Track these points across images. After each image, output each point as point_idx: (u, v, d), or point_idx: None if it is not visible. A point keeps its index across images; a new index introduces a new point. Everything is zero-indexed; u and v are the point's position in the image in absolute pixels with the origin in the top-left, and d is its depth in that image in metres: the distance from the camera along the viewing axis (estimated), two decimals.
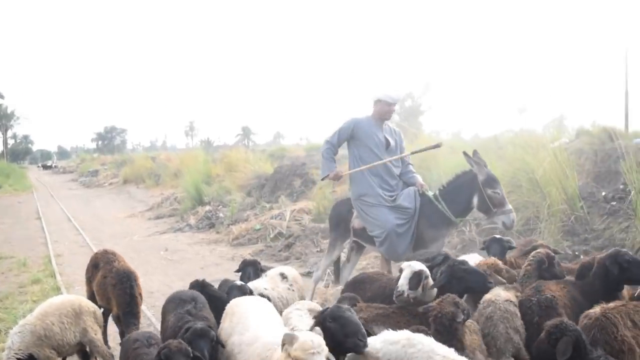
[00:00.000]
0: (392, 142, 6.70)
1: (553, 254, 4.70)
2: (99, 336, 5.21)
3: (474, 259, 5.19)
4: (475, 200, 6.20)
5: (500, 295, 4.29)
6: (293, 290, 5.70)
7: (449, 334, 3.81)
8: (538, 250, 4.73)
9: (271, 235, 12.31)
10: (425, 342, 3.48)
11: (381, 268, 6.77)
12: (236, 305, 4.35)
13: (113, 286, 5.53)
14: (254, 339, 3.78)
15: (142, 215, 19.15)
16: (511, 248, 5.31)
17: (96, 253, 6.15)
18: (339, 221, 7.06)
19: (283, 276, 5.75)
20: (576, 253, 7.16)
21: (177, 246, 12.91)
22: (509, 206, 6.14)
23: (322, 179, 7.07)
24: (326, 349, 3.28)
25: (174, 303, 4.61)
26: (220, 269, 10.37)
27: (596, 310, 3.84)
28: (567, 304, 4.20)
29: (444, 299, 4.05)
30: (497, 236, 5.37)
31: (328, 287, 8.40)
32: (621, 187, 8.27)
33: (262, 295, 5.17)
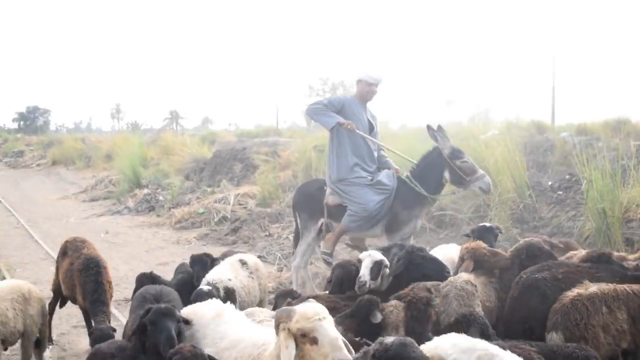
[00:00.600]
0: (375, 125, 6.82)
1: (538, 247, 4.66)
2: (40, 328, 5.01)
3: (453, 250, 5.30)
4: (446, 174, 6.32)
5: (461, 276, 4.37)
6: (253, 278, 5.51)
7: (424, 318, 3.89)
8: (523, 241, 4.79)
9: (215, 219, 12.20)
10: (507, 357, 3.06)
11: (325, 243, 6.79)
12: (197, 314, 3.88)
13: (79, 272, 5.28)
14: (236, 342, 3.50)
15: (75, 197, 18.56)
16: (500, 232, 5.62)
17: (66, 241, 5.90)
18: (309, 201, 6.94)
19: (243, 263, 5.56)
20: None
21: (117, 229, 12.60)
22: (481, 171, 6.31)
23: (331, 129, 6.61)
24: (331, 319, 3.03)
25: (137, 301, 4.36)
26: (166, 252, 10.23)
27: (570, 294, 3.87)
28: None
29: (415, 286, 4.17)
30: (487, 224, 5.56)
31: (282, 271, 8.41)
32: (567, 177, 8.63)
33: (227, 287, 4.99)
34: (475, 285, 4.27)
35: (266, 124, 41.71)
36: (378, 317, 3.94)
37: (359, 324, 3.93)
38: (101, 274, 5.28)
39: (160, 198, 15.50)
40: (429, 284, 4.34)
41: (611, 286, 3.89)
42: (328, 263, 6.60)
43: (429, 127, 6.44)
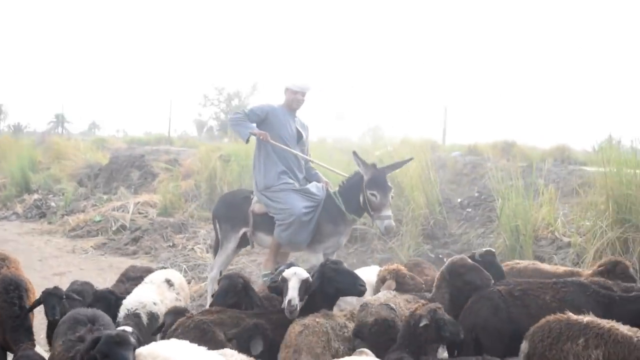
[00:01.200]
0: (303, 135, 6.61)
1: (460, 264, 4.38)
2: None
3: (372, 272, 5.22)
4: (362, 199, 6.05)
5: (378, 298, 4.29)
6: (180, 299, 5.13)
7: (387, 338, 3.87)
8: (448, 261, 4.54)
9: (113, 228, 11.70)
10: None
11: (265, 265, 6.50)
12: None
13: None
14: None
15: None
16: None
17: None
18: (232, 210, 6.61)
19: (170, 283, 5.14)
20: (440, 256, 7.59)
21: (5, 236, 11.82)
22: (387, 212, 5.96)
23: (247, 141, 6.44)
24: None
25: (65, 325, 3.81)
26: (61, 261, 9.69)
27: (560, 315, 3.71)
28: None
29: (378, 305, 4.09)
30: (492, 249, 4.82)
31: (190, 283, 8.15)
32: (476, 194, 8.93)
33: (151, 313, 4.58)
34: (393, 309, 4.14)
35: (155, 132, 40.67)
36: (258, 349, 3.75)
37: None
38: (22, 299, 4.62)
39: (52, 204, 14.71)
40: (341, 313, 4.27)
41: (603, 323, 3.58)
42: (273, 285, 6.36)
43: (354, 153, 6.24)
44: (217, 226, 6.76)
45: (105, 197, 14.42)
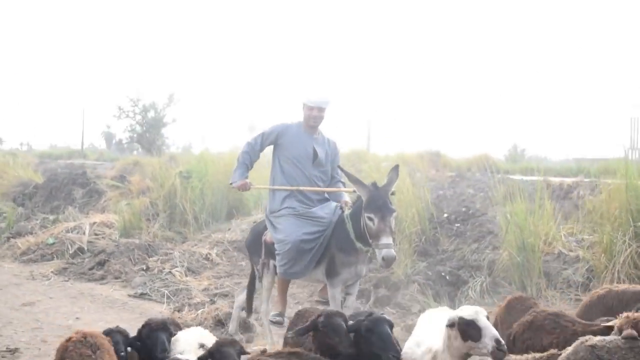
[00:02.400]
0: (320, 154, 5.97)
1: None
2: None
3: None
4: (363, 225, 5.31)
5: None
6: None
7: None
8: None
9: (70, 251, 11.00)
10: None
11: (276, 304, 6.06)
12: None
13: None
14: None
15: None
16: None
17: None
18: (257, 242, 6.16)
19: (205, 348, 4.11)
20: (442, 274, 7.52)
21: None
22: (386, 239, 5.07)
23: (231, 184, 6.25)
24: None
25: None
26: (24, 289, 8.96)
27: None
28: None
29: None
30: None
31: (181, 311, 7.61)
32: (463, 209, 8.92)
33: None
34: None
35: (61, 145, 39.14)
36: None
37: None
38: None
39: None
40: None
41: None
42: (278, 324, 5.96)
43: (339, 167, 5.98)
44: (251, 259, 6.47)
45: (51, 217, 13.58)
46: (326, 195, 6.03)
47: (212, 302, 7.50)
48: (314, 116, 5.95)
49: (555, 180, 10.71)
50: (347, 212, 5.67)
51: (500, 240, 7.65)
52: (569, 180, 10.37)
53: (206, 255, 9.83)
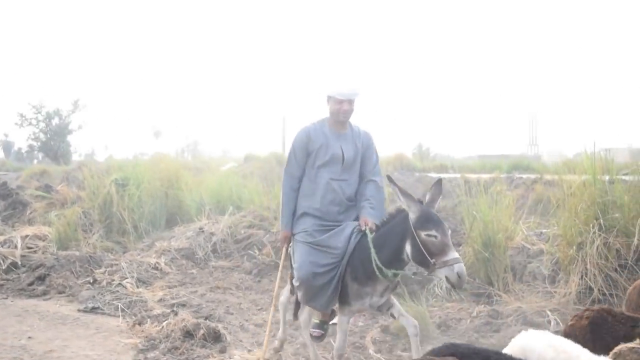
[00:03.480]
0: (348, 155, 5.21)
1: None
2: None
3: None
4: (408, 248, 4.56)
5: None
6: None
7: None
8: None
9: (3, 267, 10.36)
10: None
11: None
12: None
13: None
14: None
15: None
16: None
17: None
18: None
19: None
20: (413, 276, 7.55)
21: None
22: (454, 254, 4.36)
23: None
24: None
25: None
26: None
27: None
28: None
29: None
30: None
31: (142, 324, 7.26)
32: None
33: None
34: None
35: None
36: None
37: None
38: None
39: None
40: None
41: None
42: (318, 338, 5.48)
43: (389, 179, 4.92)
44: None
45: None
46: (346, 201, 5.28)
47: (175, 312, 7.23)
48: (344, 110, 5.20)
49: (473, 176, 10.99)
50: (369, 235, 4.87)
51: (462, 236, 7.78)
52: (485, 177, 10.68)
53: (155, 264, 9.50)
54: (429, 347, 5.53)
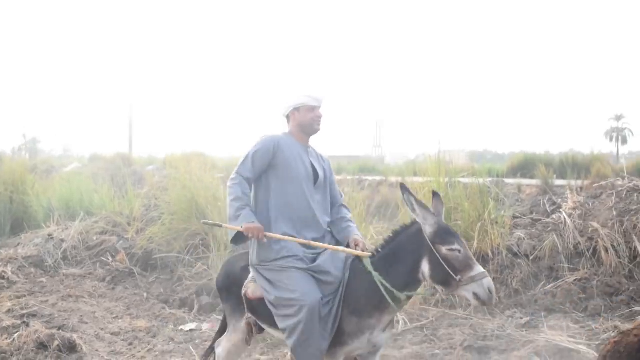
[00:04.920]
0: (320, 173, 4.47)
1: None
2: None
3: None
4: (425, 266, 3.90)
5: None
6: None
7: None
8: None
9: None
10: None
11: None
12: None
13: None
14: None
15: None
16: None
17: None
18: (232, 286, 4.53)
19: None
20: None
21: None
22: (479, 268, 3.81)
23: (232, 241, 4.29)
24: None
25: None
26: None
27: None
28: None
29: None
30: None
31: None
32: None
33: None
34: None
35: None
36: None
37: None
38: None
39: None
40: None
41: None
42: None
43: (403, 187, 4.09)
44: (223, 302, 4.86)
45: None
46: (326, 227, 4.44)
47: (26, 324, 7.02)
48: (317, 117, 4.47)
49: None
50: (366, 261, 4.10)
51: None
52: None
53: (1, 273, 9.09)
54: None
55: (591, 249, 7.66)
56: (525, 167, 19.70)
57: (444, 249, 3.84)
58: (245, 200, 4.21)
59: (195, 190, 8.93)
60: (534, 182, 14.30)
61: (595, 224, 7.87)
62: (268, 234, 4.14)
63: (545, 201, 9.40)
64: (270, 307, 4.10)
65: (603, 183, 9.57)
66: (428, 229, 3.93)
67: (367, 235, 7.90)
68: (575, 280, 7.28)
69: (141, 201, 11.06)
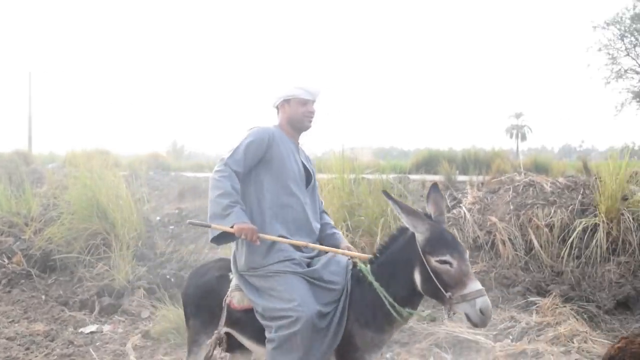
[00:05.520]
0: (312, 173, 4.11)
1: None
2: None
3: None
4: (417, 277, 3.45)
5: None
6: None
7: None
8: None
9: None
10: None
11: None
12: None
13: None
14: None
15: None
16: None
17: None
18: (202, 299, 4.00)
19: None
20: (167, 276, 7.69)
21: None
22: (474, 284, 3.32)
23: (213, 240, 3.77)
24: None
25: None
26: None
27: None
28: None
29: None
30: None
31: None
32: (176, 212, 9.14)
33: None
34: None
35: None
36: None
37: None
38: None
39: None
40: None
41: None
42: None
43: (385, 194, 3.61)
44: (187, 319, 4.23)
45: None
46: (315, 230, 4.00)
47: None
48: (309, 112, 4.03)
49: None
50: (363, 266, 3.71)
51: None
52: None
53: None
54: None
55: (489, 242, 7.98)
56: (429, 163, 20.23)
57: (433, 261, 3.37)
58: (235, 196, 3.68)
59: (96, 188, 8.68)
60: (437, 177, 14.69)
61: (493, 218, 8.20)
62: (263, 235, 3.67)
63: (447, 196, 9.69)
64: (259, 318, 3.64)
65: (502, 178, 9.95)
66: (419, 237, 3.45)
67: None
68: (474, 272, 7.56)
69: (40, 200, 10.67)
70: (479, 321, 3.27)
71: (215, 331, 3.83)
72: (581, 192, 8.39)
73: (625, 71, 26.69)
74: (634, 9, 25.83)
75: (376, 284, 3.55)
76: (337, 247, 3.92)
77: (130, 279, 7.77)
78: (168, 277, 7.73)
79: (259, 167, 3.84)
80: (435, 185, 3.73)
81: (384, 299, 3.52)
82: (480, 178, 12.37)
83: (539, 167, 18.35)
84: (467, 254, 3.49)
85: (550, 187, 8.73)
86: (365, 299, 3.60)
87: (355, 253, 3.88)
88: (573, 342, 5.58)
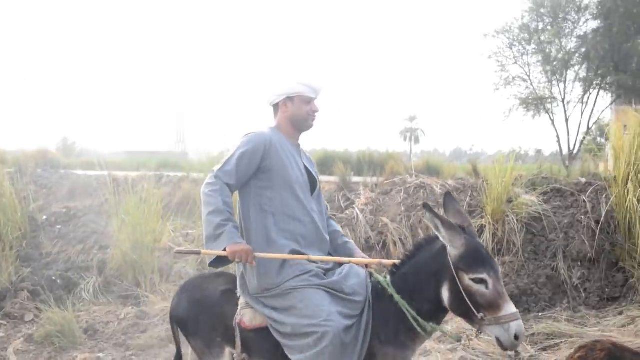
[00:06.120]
0: (316, 177, 3.74)
1: None
2: None
3: None
4: (445, 293, 3.19)
5: None
6: None
7: None
8: None
9: None
10: None
11: None
12: None
13: None
14: None
15: None
16: None
17: None
18: (201, 315, 3.60)
19: None
20: (53, 278, 7.36)
21: None
22: (510, 307, 3.03)
23: (211, 264, 3.43)
24: None
25: None
26: None
27: None
28: None
29: None
30: None
31: None
32: (64, 211, 8.77)
33: None
34: None
35: None
36: None
37: None
38: None
39: None
40: None
41: None
42: None
43: (426, 207, 3.22)
44: (180, 339, 3.82)
45: None
46: (326, 242, 3.66)
47: None
48: (313, 111, 3.67)
49: (120, 174, 11.05)
50: (381, 278, 3.43)
51: (108, 239, 7.87)
52: (133, 174, 10.87)
53: None
54: (76, 353, 5.67)
55: (381, 243, 8.18)
56: (325, 164, 20.39)
57: (467, 278, 3.10)
58: (227, 213, 3.30)
59: None
60: (332, 178, 14.91)
61: (385, 219, 8.41)
62: (259, 254, 3.32)
63: (340, 197, 9.85)
64: (280, 338, 3.29)
65: (394, 180, 10.21)
66: (453, 251, 3.16)
67: (165, 233, 7.81)
68: None
69: None
70: (510, 346, 3.03)
71: (228, 349, 3.50)
72: (469, 194, 8.72)
73: (513, 78, 27.92)
74: (522, 19, 27.09)
75: (397, 297, 3.28)
76: (352, 257, 3.65)
77: (13, 281, 7.44)
78: (54, 278, 7.44)
79: (258, 178, 3.48)
80: (448, 193, 3.54)
81: (406, 312, 3.26)
82: (374, 179, 12.65)
83: (431, 169, 18.90)
84: (500, 270, 3.23)
85: (440, 189, 9.04)
86: (387, 314, 3.31)
87: (375, 260, 3.66)
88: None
